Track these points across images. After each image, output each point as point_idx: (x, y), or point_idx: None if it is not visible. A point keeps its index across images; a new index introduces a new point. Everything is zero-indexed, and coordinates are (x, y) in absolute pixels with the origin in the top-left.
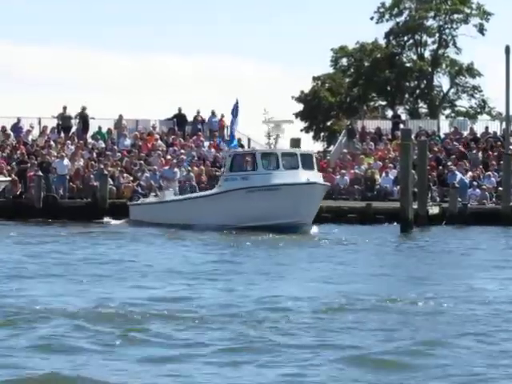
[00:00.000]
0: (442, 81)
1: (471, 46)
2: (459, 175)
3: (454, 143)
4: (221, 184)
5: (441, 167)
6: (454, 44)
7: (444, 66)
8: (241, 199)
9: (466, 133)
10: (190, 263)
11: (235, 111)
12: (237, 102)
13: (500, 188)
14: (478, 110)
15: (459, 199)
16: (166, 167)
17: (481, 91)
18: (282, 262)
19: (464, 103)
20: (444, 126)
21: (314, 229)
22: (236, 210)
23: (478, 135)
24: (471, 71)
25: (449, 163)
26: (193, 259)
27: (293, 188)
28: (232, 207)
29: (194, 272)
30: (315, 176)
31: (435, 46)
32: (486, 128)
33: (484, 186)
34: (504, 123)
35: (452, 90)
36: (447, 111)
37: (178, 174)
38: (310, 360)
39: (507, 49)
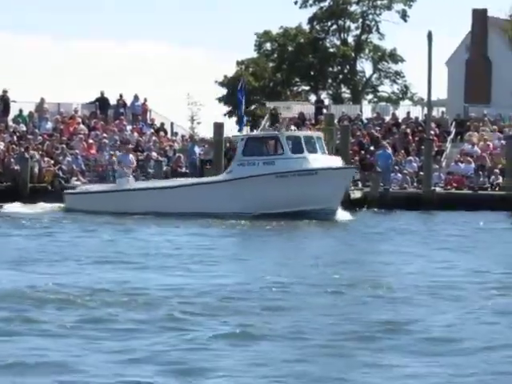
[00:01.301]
0: (365, 66)
1: (394, 31)
2: (389, 151)
3: (377, 128)
4: (233, 169)
5: (363, 152)
6: (377, 30)
7: (367, 51)
8: (268, 185)
9: (388, 118)
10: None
11: (242, 91)
12: (243, 81)
13: (421, 173)
14: (400, 96)
15: (381, 184)
16: (120, 153)
17: (403, 77)
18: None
19: (386, 88)
20: (366, 111)
21: (345, 214)
22: (262, 196)
23: (400, 120)
24: (394, 57)
25: (371, 147)
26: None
27: (330, 172)
28: (257, 193)
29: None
30: (337, 160)
31: (358, 32)
32: (408, 113)
33: (405, 171)
34: (425, 108)
35: (375, 76)
36: (370, 96)
37: (133, 160)
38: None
39: (429, 35)
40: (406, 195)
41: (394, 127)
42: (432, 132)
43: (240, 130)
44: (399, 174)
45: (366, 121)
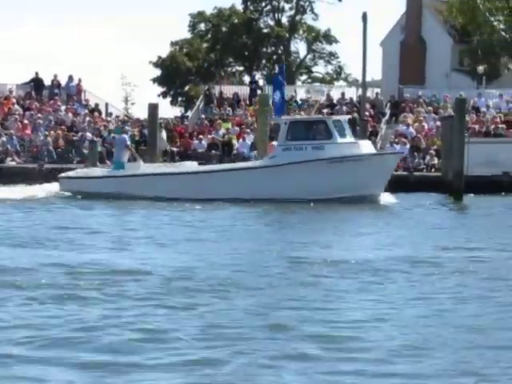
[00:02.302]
0: (299, 47)
1: (328, 12)
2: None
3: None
4: (277, 154)
5: None
6: (312, 10)
7: (301, 32)
8: (319, 170)
9: (322, 98)
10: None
11: (282, 74)
12: (283, 64)
13: None
14: (335, 76)
15: None
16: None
17: (337, 57)
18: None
19: (321, 69)
20: (301, 92)
21: (389, 197)
22: (315, 181)
23: (335, 101)
24: (328, 38)
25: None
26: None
27: (381, 158)
28: (307, 179)
29: None
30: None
31: (293, 12)
32: (343, 94)
33: None
34: (360, 89)
35: (309, 56)
36: (304, 77)
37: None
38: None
39: (364, 16)
40: None
41: (328, 108)
42: (367, 113)
43: (280, 114)
44: None
45: (300, 101)
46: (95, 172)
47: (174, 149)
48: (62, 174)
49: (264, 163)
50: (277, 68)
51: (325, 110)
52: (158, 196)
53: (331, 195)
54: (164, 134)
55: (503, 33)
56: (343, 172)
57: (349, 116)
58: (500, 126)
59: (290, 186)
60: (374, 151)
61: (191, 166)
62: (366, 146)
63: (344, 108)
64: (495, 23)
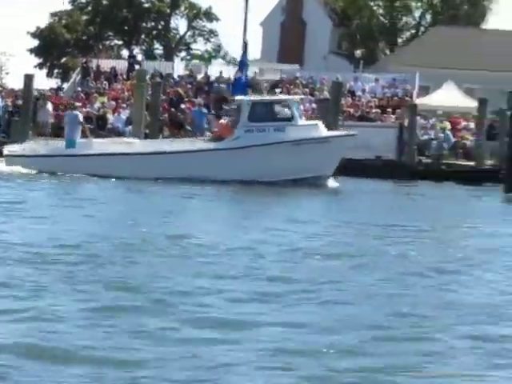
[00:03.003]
0: (180, 23)
1: None
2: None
3: (188, 86)
4: (239, 135)
5: (173, 109)
6: None
7: (182, 8)
8: (285, 153)
9: (200, 76)
10: None
11: (246, 53)
12: (246, 44)
13: None
14: (214, 54)
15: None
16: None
17: (217, 35)
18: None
19: (200, 47)
20: (179, 69)
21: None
22: (279, 163)
23: (213, 79)
24: (209, 15)
25: (182, 106)
26: None
27: (341, 140)
28: (269, 160)
29: None
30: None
31: None
32: (221, 72)
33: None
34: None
35: (189, 33)
36: (183, 54)
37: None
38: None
39: None
40: None
41: (205, 86)
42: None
43: (242, 94)
44: (209, 133)
45: (177, 78)
46: (44, 149)
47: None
48: (7, 151)
49: (228, 145)
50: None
51: (277, 90)
52: (111, 176)
53: (292, 176)
54: (50, 106)
55: (382, 18)
56: (306, 154)
57: (302, 96)
58: (374, 110)
59: (254, 167)
60: (332, 133)
61: (144, 144)
62: (323, 128)
63: (221, 86)
64: (375, 8)
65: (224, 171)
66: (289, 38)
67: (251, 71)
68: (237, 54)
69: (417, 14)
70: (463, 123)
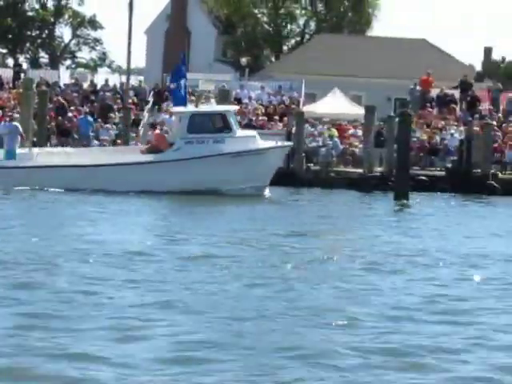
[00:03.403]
0: (64, 32)
1: None
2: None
3: (74, 94)
4: (180, 147)
5: (60, 118)
6: None
7: (67, 16)
8: (224, 164)
9: (86, 84)
10: None
11: (184, 64)
12: (183, 53)
13: (118, 141)
14: (99, 63)
15: None
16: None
17: (102, 44)
18: None
19: (85, 55)
20: (64, 77)
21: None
22: (217, 174)
23: (98, 87)
24: (93, 23)
25: (69, 114)
26: None
27: (277, 151)
28: (208, 172)
29: None
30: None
31: None
32: (106, 80)
33: (101, 138)
34: (124, 76)
35: (73, 42)
36: (68, 62)
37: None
38: None
39: (130, 3)
40: None
41: (91, 94)
42: (130, 100)
43: (180, 105)
44: (96, 141)
45: (63, 86)
46: None
47: None
48: None
49: (169, 156)
50: (180, 57)
51: (212, 100)
52: (53, 188)
53: (231, 187)
54: None
55: (266, 25)
56: (244, 165)
57: (237, 107)
58: (261, 118)
59: (194, 178)
60: (269, 144)
61: (81, 154)
62: (259, 139)
63: (107, 94)
64: (259, 15)
65: (165, 183)
66: (173, 45)
67: (135, 79)
68: (122, 62)
69: (301, 21)
70: (351, 130)
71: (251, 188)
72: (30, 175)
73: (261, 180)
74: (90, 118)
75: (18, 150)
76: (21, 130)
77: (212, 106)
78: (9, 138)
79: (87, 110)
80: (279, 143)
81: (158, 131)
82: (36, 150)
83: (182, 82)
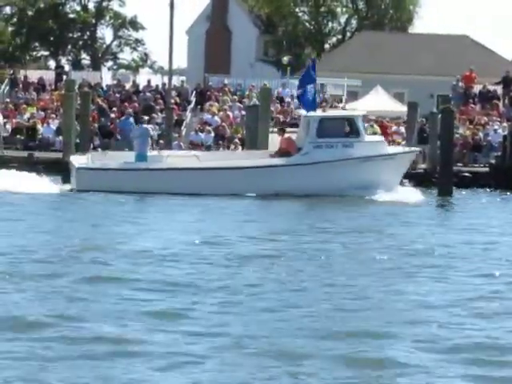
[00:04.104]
0: (106, 33)
1: None
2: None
3: (116, 95)
4: (308, 151)
5: (103, 119)
6: None
7: (108, 18)
8: (353, 168)
9: (128, 85)
10: None
11: (314, 69)
12: (314, 59)
13: (161, 141)
14: (140, 63)
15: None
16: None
17: (143, 44)
18: None
19: (127, 56)
20: (107, 78)
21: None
22: (346, 179)
23: (141, 88)
24: (134, 24)
25: (112, 115)
26: None
27: (404, 156)
28: (341, 176)
29: None
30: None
31: None
32: (149, 81)
33: None
34: (166, 77)
35: (115, 43)
36: (110, 63)
37: (150, 130)
38: None
39: (171, 3)
40: None
41: (134, 95)
42: (172, 101)
43: (310, 110)
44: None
45: (106, 88)
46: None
47: None
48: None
49: (297, 160)
50: (309, 62)
51: (340, 105)
52: (184, 191)
53: (359, 192)
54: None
55: (307, 24)
56: (373, 170)
57: (365, 111)
58: None
59: (323, 182)
60: (397, 149)
61: (215, 157)
62: (386, 144)
63: (149, 95)
64: (300, 14)
65: (294, 186)
66: (214, 45)
67: (177, 80)
68: (164, 62)
69: (342, 19)
70: (393, 127)
71: (378, 192)
72: (163, 177)
73: (389, 185)
74: (131, 119)
75: (149, 153)
76: (151, 132)
77: (340, 111)
78: (140, 141)
79: (130, 110)
80: (407, 148)
81: (286, 135)
82: (166, 153)
83: (309, 87)
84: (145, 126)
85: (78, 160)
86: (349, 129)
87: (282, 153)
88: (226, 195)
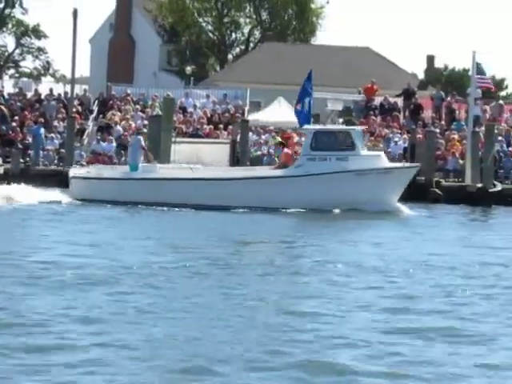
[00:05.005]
0: (8, 41)
1: (38, 7)
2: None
3: (18, 104)
4: (302, 163)
5: (4, 127)
6: (21, 4)
7: (10, 25)
8: (347, 182)
9: (30, 94)
10: None
11: (310, 82)
12: (311, 72)
13: (62, 150)
14: (43, 72)
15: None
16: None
17: (46, 53)
18: None
19: (29, 64)
20: (8, 86)
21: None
22: (339, 192)
23: (43, 96)
24: (37, 32)
25: (13, 123)
26: None
27: (403, 171)
28: (335, 190)
29: None
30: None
31: (1, 6)
32: (51, 90)
33: (47, 147)
34: (68, 85)
35: (17, 51)
36: (11, 71)
37: (141, 140)
38: None
39: (74, 12)
40: (50, 172)
41: (36, 103)
42: (74, 110)
43: (305, 123)
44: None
45: (7, 96)
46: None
47: None
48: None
49: (290, 172)
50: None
51: (340, 120)
52: (179, 201)
53: (354, 206)
54: None
55: (211, 34)
56: (369, 184)
57: (363, 127)
58: (206, 126)
59: (316, 195)
60: (395, 164)
61: (208, 169)
62: (385, 159)
63: (52, 103)
64: (204, 24)
65: (287, 198)
66: (118, 54)
67: (80, 88)
68: (66, 71)
69: (246, 30)
70: (296, 138)
71: (375, 207)
72: (157, 187)
73: (385, 199)
74: (40, 128)
75: (141, 164)
76: (143, 143)
77: (336, 125)
78: (132, 150)
79: (32, 119)
80: (406, 164)
81: (286, 150)
82: (158, 164)
83: (307, 100)
84: (138, 136)
85: (73, 170)
86: (345, 143)
87: (280, 167)
88: (219, 207)
